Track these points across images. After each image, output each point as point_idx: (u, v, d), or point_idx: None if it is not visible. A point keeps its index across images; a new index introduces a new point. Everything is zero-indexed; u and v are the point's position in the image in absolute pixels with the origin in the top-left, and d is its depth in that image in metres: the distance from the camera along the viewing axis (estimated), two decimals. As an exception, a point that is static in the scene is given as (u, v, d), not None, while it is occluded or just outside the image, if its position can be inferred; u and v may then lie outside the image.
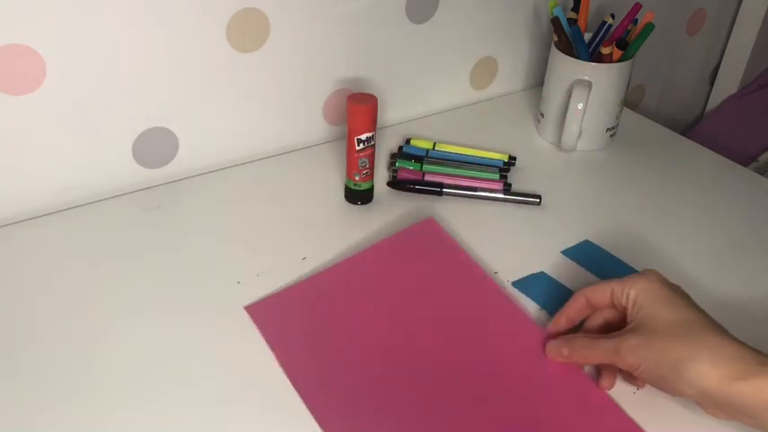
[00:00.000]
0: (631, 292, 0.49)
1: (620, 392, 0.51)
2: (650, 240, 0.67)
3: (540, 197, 0.70)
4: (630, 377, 0.51)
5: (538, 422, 0.49)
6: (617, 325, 0.52)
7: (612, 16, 0.77)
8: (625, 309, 0.50)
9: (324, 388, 0.50)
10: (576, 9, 0.80)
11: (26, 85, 0.60)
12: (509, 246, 0.65)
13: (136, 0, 0.61)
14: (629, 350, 0.47)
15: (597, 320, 0.53)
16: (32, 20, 0.58)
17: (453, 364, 0.52)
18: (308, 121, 0.78)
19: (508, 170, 0.75)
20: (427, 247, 0.62)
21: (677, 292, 0.49)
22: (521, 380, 0.51)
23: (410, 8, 0.77)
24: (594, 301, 0.52)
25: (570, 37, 0.78)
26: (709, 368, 0.44)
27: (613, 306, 0.52)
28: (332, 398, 0.49)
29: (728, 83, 1.15)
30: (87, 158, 0.67)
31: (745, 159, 1.05)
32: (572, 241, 0.66)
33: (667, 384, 0.46)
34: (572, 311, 0.54)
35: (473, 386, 0.51)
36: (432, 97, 0.86)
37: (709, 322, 0.47)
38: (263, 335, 0.54)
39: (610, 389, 0.51)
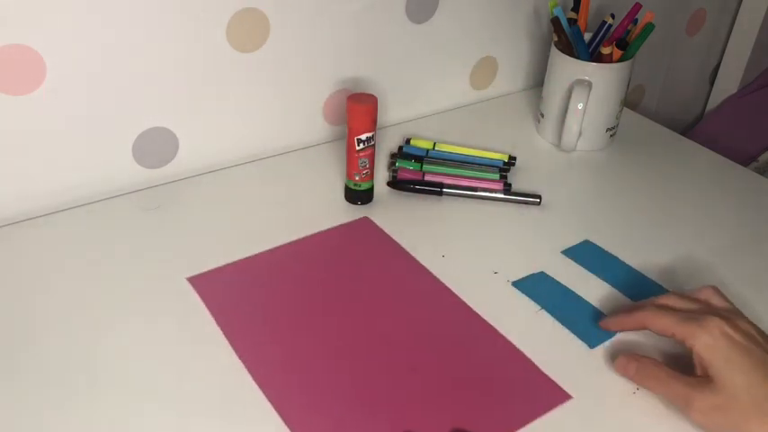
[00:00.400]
0: (695, 346, 0.47)
1: (620, 392, 0.51)
2: (650, 240, 0.67)
3: (540, 197, 0.70)
4: None
5: (470, 384, 0.51)
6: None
7: (612, 16, 0.77)
8: (688, 351, 0.49)
9: (264, 356, 0.52)
10: (576, 9, 0.80)
11: (26, 85, 0.61)
12: (509, 246, 0.65)
13: (136, 0, 0.62)
14: (701, 410, 0.46)
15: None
16: (32, 20, 0.58)
17: (386, 338, 0.54)
18: (308, 121, 0.78)
19: (508, 170, 0.75)
20: (365, 239, 0.65)
21: (742, 344, 0.47)
22: (452, 350, 0.54)
23: (410, 8, 0.77)
24: (653, 329, 0.51)
25: (570, 37, 0.78)
26: None
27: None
28: (273, 367, 0.51)
29: (728, 83, 1.15)
30: (87, 158, 0.67)
31: (745, 159, 1.05)
32: (572, 241, 0.66)
33: None
34: (629, 325, 0.53)
35: (405, 357, 0.53)
36: (432, 97, 0.86)
37: None
38: (205, 304, 0.56)
39: None
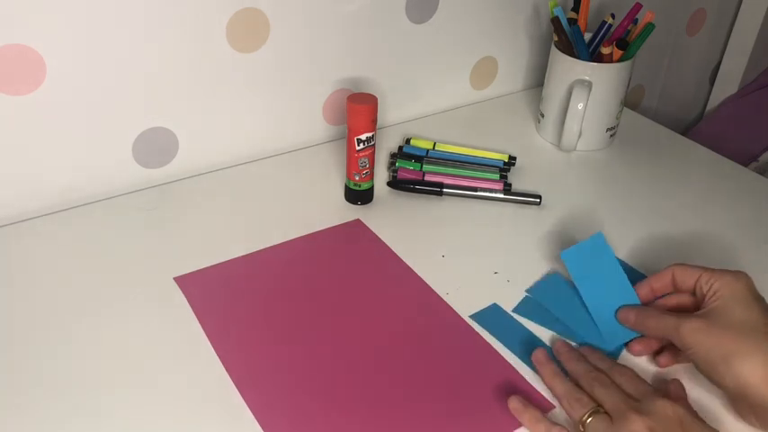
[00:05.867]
0: (715, 284, 0.50)
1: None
2: (650, 241, 0.67)
3: (540, 197, 0.70)
4: (679, 356, 0.53)
5: (453, 391, 0.51)
6: (689, 310, 0.53)
7: (612, 16, 0.77)
8: (704, 297, 0.51)
9: (245, 357, 0.52)
10: (576, 9, 0.80)
11: (26, 85, 0.61)
12: (509, 246, 0.65)
13: (136, 0, 0.62)
14: (688, 331, 0.48)
15: (671, 301, 0.55)
16: (32, 20, 0.58)
17: (368, 342, 0.54)
18: (308, 121, 0.78)
19: (508, 170, 0.75)
20: (354, 241, 0.65)
21: (758, 299, 0.49)
22: (435, 354, 0.54)
23: (410, 8, 0.77)
24: (679, 280, 0.53)
25: (570, 37, 0.78)
26: (758, 366, 0.45)
27: (693, 292, 0.53)
28: (251, 367, 0.51)
29: (728, 83, 1.15)
30: (87, 158, 0.67)
31: (745, 159, 1.05)
32: (572, 241, 0.66)
33: (712, 372, 0.47)
34: (657, 284, 0.55)
35: (387, 361, 0.53)
36: (432, 97, 0.86)
37: None
38: (190, 305, 0.56)
39: (666, 366, 0.54)
